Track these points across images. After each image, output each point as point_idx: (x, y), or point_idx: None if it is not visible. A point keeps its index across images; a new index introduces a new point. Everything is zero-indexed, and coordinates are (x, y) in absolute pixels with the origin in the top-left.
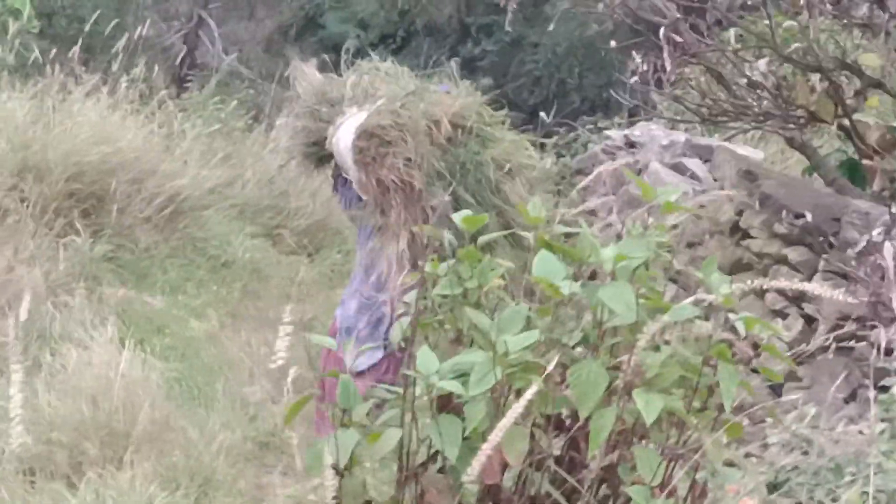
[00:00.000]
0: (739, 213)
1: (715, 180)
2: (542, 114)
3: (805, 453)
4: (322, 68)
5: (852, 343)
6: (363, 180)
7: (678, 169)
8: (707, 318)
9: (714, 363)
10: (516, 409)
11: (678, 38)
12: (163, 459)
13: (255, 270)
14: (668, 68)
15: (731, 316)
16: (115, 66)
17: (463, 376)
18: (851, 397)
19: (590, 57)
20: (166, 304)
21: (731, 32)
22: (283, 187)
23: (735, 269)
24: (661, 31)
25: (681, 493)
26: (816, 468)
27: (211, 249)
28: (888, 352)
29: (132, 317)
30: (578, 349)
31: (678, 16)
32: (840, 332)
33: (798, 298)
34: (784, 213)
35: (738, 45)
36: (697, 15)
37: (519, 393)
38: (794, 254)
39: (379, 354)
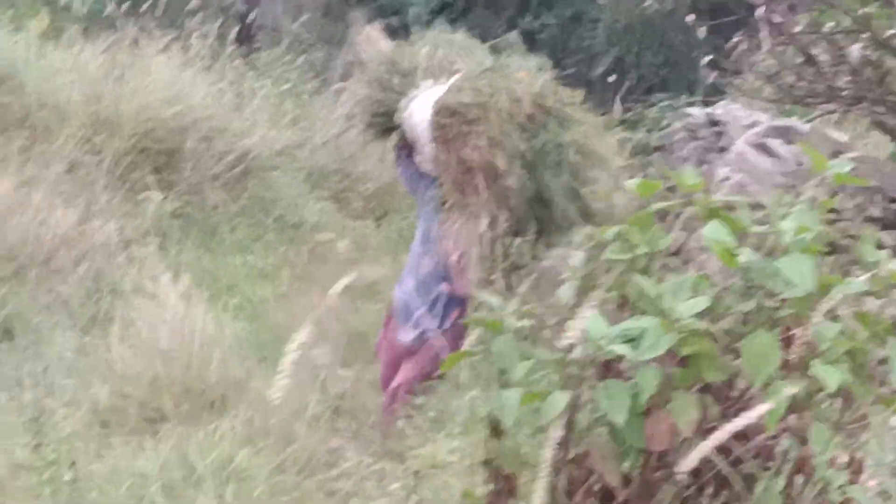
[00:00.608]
0: (833, 194)
1: (800, 164)
2: (614, 84)
3: None
4: (386, 34)
5: None
6: (442, 158)
7: (762, 149)
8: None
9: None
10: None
11: (775, 19)
12: (238, 418)
13: (323, 233)
14: (765, 48)
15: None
16: (186, 24)
17: (630, 342)
18: None
19: (648, 35)
20: (236, 264)
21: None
22: (351, 151)
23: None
24: (761, 10)
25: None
26: None
27: (279, 210)
28: None
29: (202, 275)
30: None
31: None
32: None
33: None
34: (878, 196)
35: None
36: None
37: (685, 360)
38: (889, 237)
39: (430, 331)
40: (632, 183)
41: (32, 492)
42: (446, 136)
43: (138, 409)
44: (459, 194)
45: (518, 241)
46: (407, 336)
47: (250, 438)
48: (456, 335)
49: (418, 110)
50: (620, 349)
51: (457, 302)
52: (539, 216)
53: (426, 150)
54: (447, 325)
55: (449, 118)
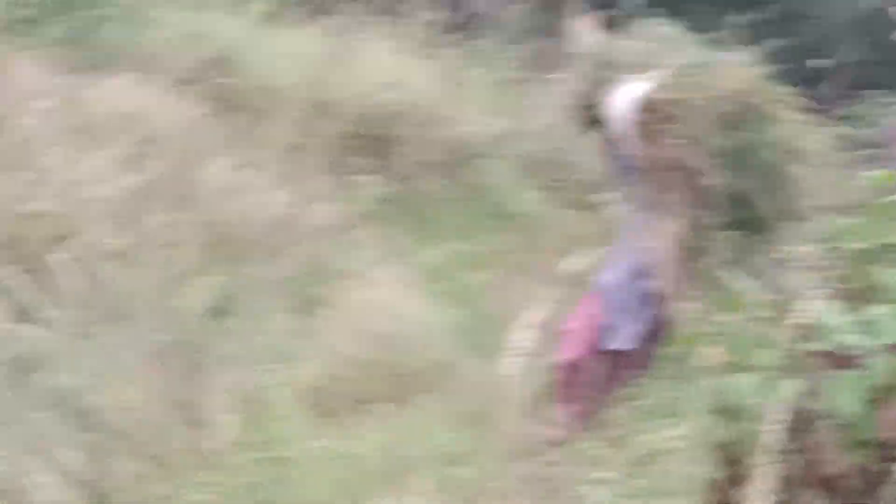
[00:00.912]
0: None
1: None
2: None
3: None
4: (601, 26)
5: None
6: (641, 154)
7: None
8: None
9: None
10: None
11: None
12: (449, 402)
13: (535, 222)
14: None
15: None
16: (404, 11)
17: (863, 332)
18: None
19: (862, 31)
20: (448, 250)
21: None
22: (565, 141)
23: None
24: None
25: None
26: None
27: (492, 198)
28: None
29: (415, 260)
30: None
31: None
32: None
33: None
34: None
35: None
36: None
37: None
38: None
39: (637, 338)
40: (867, 175)
41: (249, 468)
42: (645, 132)
43: (349, 391)
44: (659, 191)
45: (720, 238)
46: (612, 337)
47: (461, 423)
48: (654, 331)
49: (619, 104)
50: (853, 339)
51: (657, 298)
52: (740, 214)
53: (626, 146)
54: (647, 320)
55: (647, 114)
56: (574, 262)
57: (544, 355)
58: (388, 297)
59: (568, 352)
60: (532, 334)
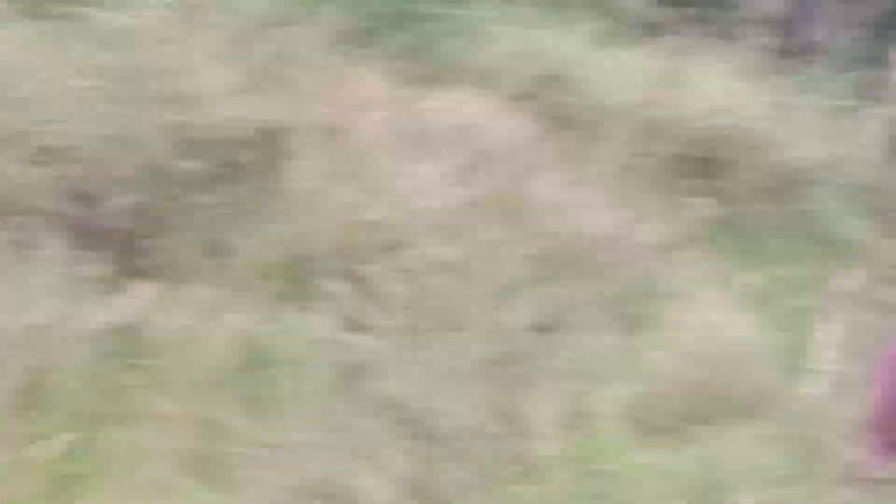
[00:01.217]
0: None
1: None
2: None
3: None
4: None
5: None
6: None
7: None
8: None
9: None
10: None
11: None
12: (769, 425)
13: (862, 250)
14: None
15: None
16: (736, 35)
17: None
18: None
19: None
20: (773, 275)
21: None
22: (889, 170)
23: None
24: None
25: None
26: None
27: (819, 225)
28: None
29: (738, 283)
30: None
31: None
32: None
33: None
34: None
35: None
36: None
37: None
38: None
39: None
40: None
41: (570, 481)
42: None
43: (672, 410)
44: None
45: None
46: None
47: (784, 446)
48: None
49: None
50: None
51: None
52: None
53: None
54: None
55: None
56: (850, 281)
57: (854, 380)
58: (712, 318)
59: (882, 394)
60: (836, 356)
